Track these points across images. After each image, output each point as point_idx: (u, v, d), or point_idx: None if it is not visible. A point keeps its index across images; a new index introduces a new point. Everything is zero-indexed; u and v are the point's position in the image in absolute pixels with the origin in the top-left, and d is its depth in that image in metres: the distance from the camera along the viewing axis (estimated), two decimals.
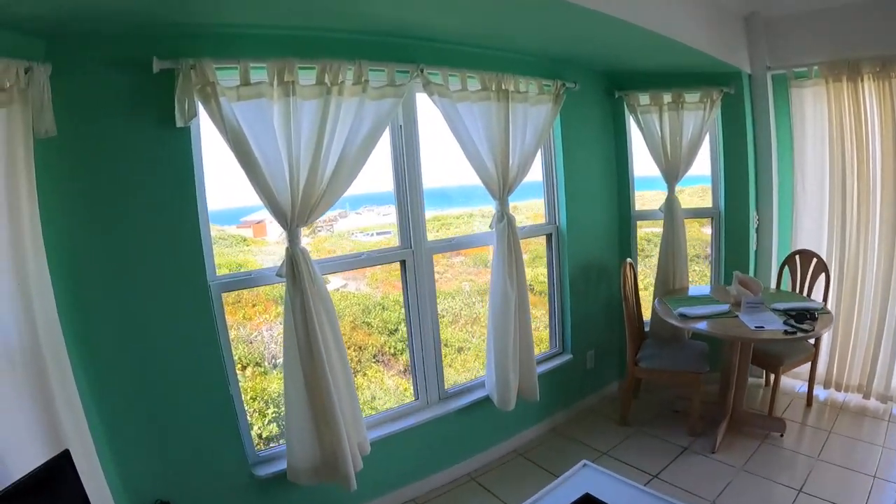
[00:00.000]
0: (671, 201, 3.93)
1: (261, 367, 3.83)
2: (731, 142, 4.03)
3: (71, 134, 2.00)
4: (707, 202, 4.28)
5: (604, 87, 3.86)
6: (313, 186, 2.25)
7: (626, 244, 4.07)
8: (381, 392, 4.61)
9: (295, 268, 2.22)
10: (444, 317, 4.74)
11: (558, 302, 3.75)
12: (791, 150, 4.16)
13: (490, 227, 3.00)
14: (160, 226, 2.18)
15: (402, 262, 2.90)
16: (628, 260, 3.70)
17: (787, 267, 4.09)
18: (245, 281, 2.42)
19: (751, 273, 4.22)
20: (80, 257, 2.06)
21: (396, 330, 4.45)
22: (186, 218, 2.22)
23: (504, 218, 2.92)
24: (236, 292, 2.69)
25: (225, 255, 4.34)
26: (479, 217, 5.71)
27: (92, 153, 2.06)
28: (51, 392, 1.80)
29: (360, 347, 4.41)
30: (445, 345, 4.95)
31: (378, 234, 4.73)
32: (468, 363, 4.47)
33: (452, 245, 3.10)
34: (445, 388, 3.17)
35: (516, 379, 3.04)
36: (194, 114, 2.12)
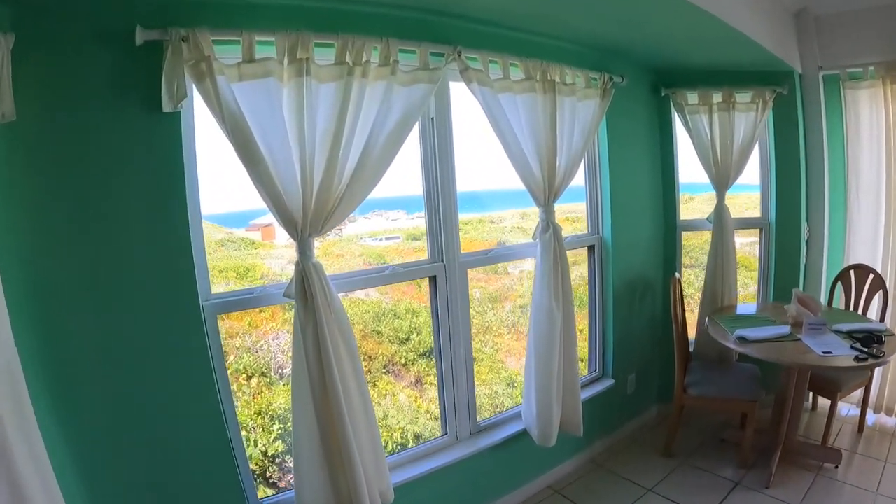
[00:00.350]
0: (721, 210, 3.41)
1: (266, 377, 3.46)
2: (782, 147, 3.54)
3: (35, 119, 1.52)
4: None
5: (649, 84, 3.34)
6: (330, 188, 1.75)
7: (670, 257, 3.54)
8: (394, 409, 4.23)
9: (307, 286, 1.72)
10: None
11: (599, 321, 3.22)
12: (843, 157, 3.69)
13: (533, 237, 2.49)
14: (141, 233, 1.67)
15: (433, 279, 2.38)
16: (676, 275, 3.18)
17: (839, 283, 3.56)
18: (245, 301, 1.91)
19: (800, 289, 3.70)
20: (44, 274, 1.56)
21: (408, 339, 4.14)
22: (174, 223, 1.72)
23: (550, 228, 2.40)
24: None
25: (233, 259, 4.14)
26: (489, 222, 5.52)
27: (59, 142, 1.56)
28: (9, 447, 1.28)
29: (370, 357, 4.07)
30: None
31: (387, 238, 4.55)
32: (482, 375, 4.08)
33: (489, 258, 2.57)
34: (478, 420, 2.65)
35: (559, 412, 2.52)
36: (184, 94, 1.62)
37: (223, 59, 1.64)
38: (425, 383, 4.40)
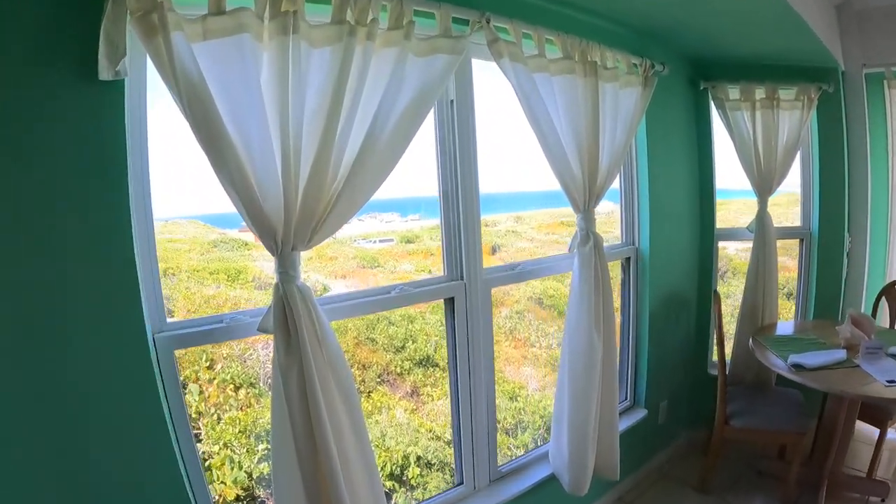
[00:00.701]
0: (763, 218, 2.95)
1: (255, 388, 3.13)
2: (827, 149, 3.10)
3: None
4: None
5: (686, 76, 2.87)
6: (321, 186, 1.26)
7: (706, 269, 3.05)
8: (392, 428, 3.79)
9: (290, 318, 1.22)
10: None
11: (633, 344, 2.72)
12: (887, 161, 3.27)
13: (569, 249, 1.99)
14: (64, 242, 1.18)
15: (449, 301, 1.88)
16: (717, 291, 2.71)
17: (882, 299, 3.12)
18: (211, 334, 1.39)
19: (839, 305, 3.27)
20: None
21: (403, 347, 3.89)
22: (111, 230, 1.22)
23: (590, 239, 1.92)
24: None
25: (224, 261, 3.96)
26: (483, 226, 5.05)
27: None
28: None
29: (363, 366, 3.79)
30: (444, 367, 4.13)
31: (381, 241, 4.36)
32: None
33: (517, 274, 2.05)
34: (498, 465, 2.15)
35: (594, 456, 2.04)
36: (124, 53, 1.13)
37: (182, 12, 1.15)
38: (422, 394, 4.01)
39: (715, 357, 3.19)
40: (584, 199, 1.89)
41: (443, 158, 1.77)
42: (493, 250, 5.32)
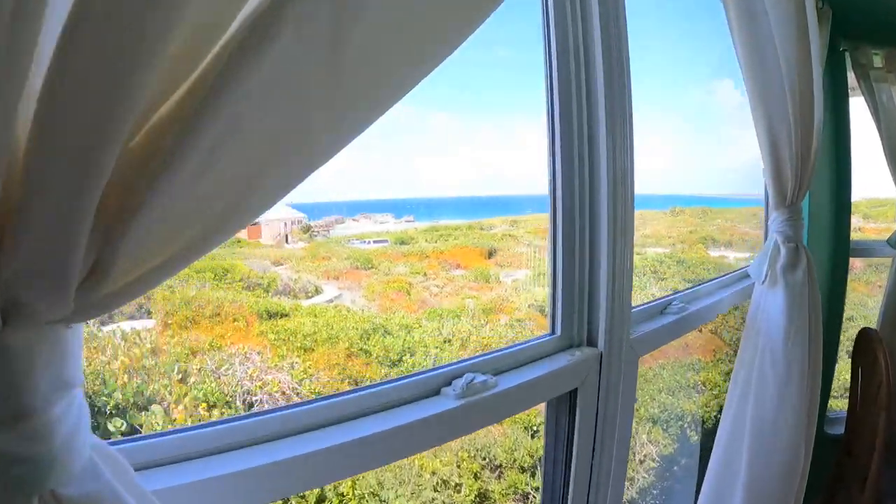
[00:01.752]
0: None
1: (231, 408, 2.71)
2: None
3: None
4: None
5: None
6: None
7: (836, 294, 2.05)
8: (392, 475, 2.90)
9: None
10: (449, 341, 3.74)
11: None
12: None
13: (761, 279, 1.00)
14: None
15: (567, 399, 0.79)
16: (876, 330, 1.74)
17: None
18: None
19: None
20: None
21: (400, 360, 3.49)
22: None
23: (801, 258, 0.95)
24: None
25: (211, 258, 3.66)
26: (478, 229, 4.71)
27: None
28: None
29: (355, 381, 3.37)
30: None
31: (375, 241, 4.10)
32: None
33: (675, 325, 0.94)
34: None
35: None
36: None
37: None
38: None
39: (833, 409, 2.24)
40: (794, 185, 0.92)
41: (562, 113, 0.74)
42: (489, 254, 5.00)
